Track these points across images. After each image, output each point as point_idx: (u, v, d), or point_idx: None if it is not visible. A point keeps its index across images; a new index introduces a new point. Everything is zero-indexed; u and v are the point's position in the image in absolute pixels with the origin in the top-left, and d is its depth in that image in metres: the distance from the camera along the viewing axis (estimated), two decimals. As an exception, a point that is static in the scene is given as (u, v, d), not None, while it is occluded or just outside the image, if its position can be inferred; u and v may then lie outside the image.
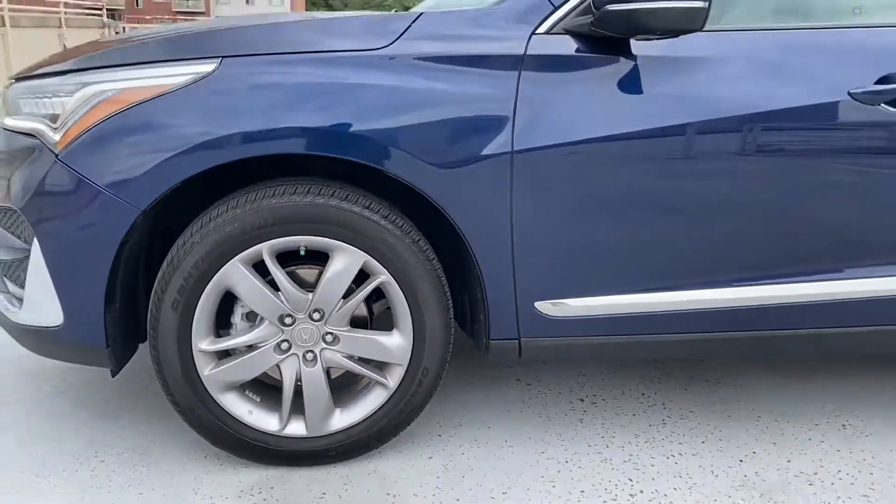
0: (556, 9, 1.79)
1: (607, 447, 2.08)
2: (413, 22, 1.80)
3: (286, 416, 1.89)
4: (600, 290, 1.88)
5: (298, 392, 1.88)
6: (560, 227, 1.82)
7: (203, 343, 1.81)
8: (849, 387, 2.43)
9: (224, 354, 1.87)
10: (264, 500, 1.84)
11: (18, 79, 1.93)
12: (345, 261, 1.79)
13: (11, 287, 1.92)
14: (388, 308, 1.89)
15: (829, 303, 1.94)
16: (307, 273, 1.87)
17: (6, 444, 2.06)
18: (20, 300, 1.88)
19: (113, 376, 1.98)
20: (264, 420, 1.90)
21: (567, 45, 1.79)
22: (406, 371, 1.90)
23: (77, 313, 1.80)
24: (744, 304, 1.92)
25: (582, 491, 1.89)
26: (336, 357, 1.87)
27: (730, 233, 1.87)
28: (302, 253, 1.84)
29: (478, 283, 1.86)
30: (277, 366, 1.87)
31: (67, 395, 2.31)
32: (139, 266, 1.93)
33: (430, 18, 1.83)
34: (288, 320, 1.83)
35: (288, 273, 1.81)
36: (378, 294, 1.89)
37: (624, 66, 1.79)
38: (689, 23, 1.66)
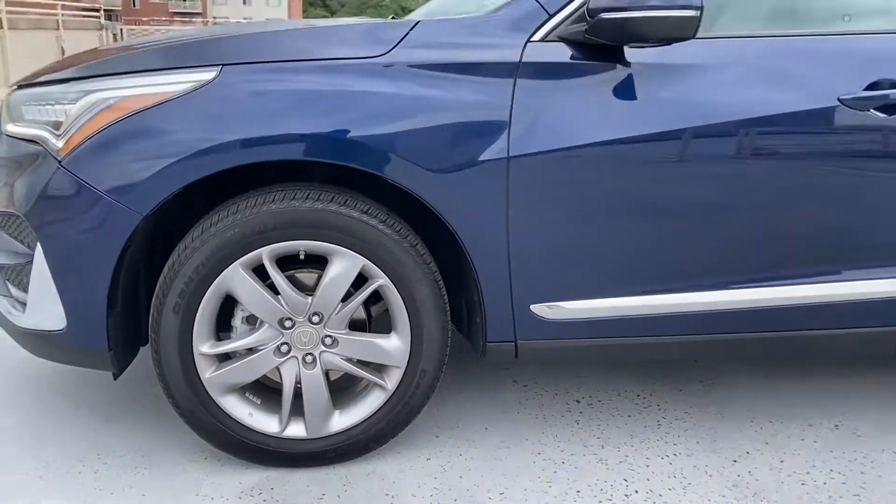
0: (551, 17, 1.82)
1: (603, 448, 2.11)
2: (410, 30, 1.83)
3: (286, 418, 1.92)
4: (595, 293, 1.91)
5: (298, 394, 1.90)
6: (555, 232, 1.85)
7: (204, 346, 1.84)
8: (841, 388, 2.46)
9: (224, 357, 1.90)
10: (265, 500, 1.86)
11: (21, 86, 1.95)
12: (343, 265, 1.82)
13: (15, 291, 1.94)
14: (387, 311, 1.91)
15: (820, 305, 1.97)
16: (306, 277, 1.89)
17: (10, 446, 2.08)
18: (23, 304, 1.90)
19: (115, 379, 2.00)
20: (264, 422, 1.92)
21: (562, 53, 1.82)
22: (404, 373, 1.92)
23: (80, 317, 1.83)
24: (737, 307, 1.95)
25: (578, 491, 1.91)
26: (335, 359, 1.90)
27: (721, 237, 1.90)
28: (301, 257, 1.87)
29: (474, 286, 1.89)
30: (277, 368, 1.89)
31: (70, 397, 2.33)
32: (140, 270, 1.95)
33: (427, 26, 1.86)
34: (287, 323, 1.85)
35: (287, 277, 1.84)
36: (376, 297, 1.91)
37: (618, 72, 1.82)
38: (681, 31, 1.69)
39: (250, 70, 1.78)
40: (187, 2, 65.47)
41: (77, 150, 1.74)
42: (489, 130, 1.77)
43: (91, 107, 1.75)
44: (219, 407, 1.89)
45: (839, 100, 1.85)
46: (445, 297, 1.90)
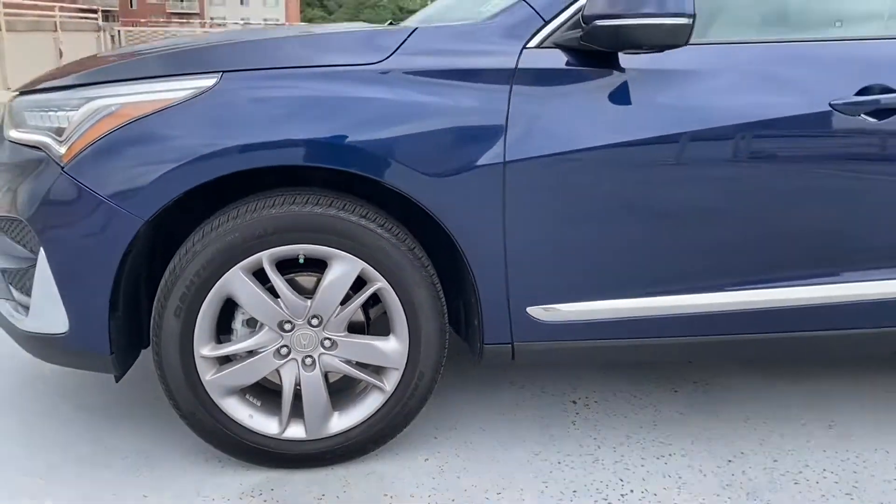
0: (547, 23, 1.84)
1: (599, 448, 2.13)
2: (408, 37, 1.85)
3: (286, 420, 1.94)
4: (590, 296, 1.94)
5: (298, 396, 1.93)
6: (551, 235, 1.87)
7: (205, 349, 1.86)
8: (835, 388, 2.49)
9: (225, 360, 1.92)
10: (265, 501, 1.89)
11: (23, 92, 1.98)
12: (342, 268, 1.84)
13: (17, 295, 1.96)
14: (385, 313, 1.94)
15: (812, 307, 1.99)
16: (306, 280, 1.92)
17: (13, 448, 2.10)
18: (26, 308, 1.92)
19: (116, 381, 2.02)
20: (264, 423, 1.94)
21: (557, 59, 1.84)
22: (402, 375, 1.94)
23: (82, 320, 1.85)
24: (731, 309, 1.98)
25: (574, 491, 1.94)
26: (334, 362, 1.92)
27: (713, 239, 1.92)
28: (301, 261, 1.89)
29: (471, 289, 1.91)
30: (277, 370, 1.92)
31: (72, 400, 2.35)
32: (141, 274, 1.97)
33: (424, 33, 1.88)
34: (287, 326, 1.87)
35: (287, 280, 1.86)
36: (375, 300, 1.94)
37: (613, 78, 1.84)
38: (674, 38, 1.72)
39: (250, 77, 1.80)
40: (184, 2, 65.44)
41: (79, 155, 1.76)
42: (486, 136, 1.80)
43: (93, 113, 1.77)
44: (219, 409, 1.91)
45: (831, 105, 1.87)
46: (443, 299, 1.93)
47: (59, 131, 1.81)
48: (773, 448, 2.14)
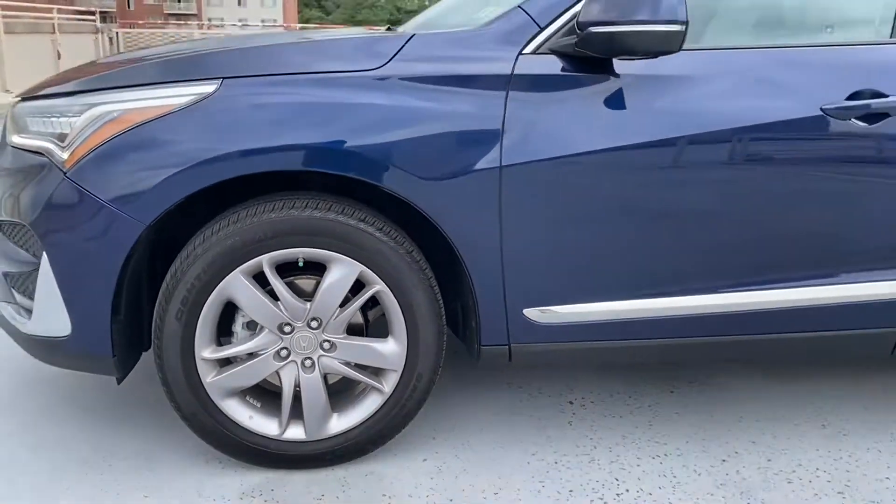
0: (542, 30, 1.86)
1: (595, 448, 2.16)
2: (405, 43, 1.88)
3: (285, 421, 1.96)
4: (586, 298, 1.96)
5: (297, 397, 1.95)
6: (547, 238, 1.90)
7: (205, 351, 1.88)
8: (828, 388, 2.51)
9: (225, 362, 1.94)
10: (265, 501, 1.91)
11: (25, 98, 2.00)
12: (341, 271, 1.86)
13: (20, 299, 1.98)
14: (383, 315, 1.96)
15: (806, 308, 2.02)
16: (305, 283, 1.94)
17: (18, 449, 2.12)
18: (29, 311, 1.94)
19: (118, 383, 2.04)
20: (264, 425, 1.97)
21: (553, 65, 1.87)
22: (401, 376, 1.97)
23: (84, 324, 1.87)
24: (727, 311, 2.00)
25: (571, 491, 1.96)
26: (333, 363, 1.95)
27: (708, 241, 1.95)
28: (300, 264, 1.91)
29: (469, 291, 1.94)
30: (277, 372, 1.94)
31: (72, 401, 2.37)
32: (143, 277, 2.00)
33: (421, 40, 1.91)
34: (287, 328, 1.90)
35: (287, 283, 1.88)
36: (373, 302, 1.96)
37: (607, 84, 1.87)
38: (667, 45, 1.74)
39: (250, 83, 1.82)
40: (182, 3, 65.42)
41: (82, 161, 1.79)
42: (482, 141, 1.82)
43: (95, 119, 1.79)
44: (220, 410, 1.93)
45: (822, 109, 1.90)
46: (441, 302, 1.95)
47: (61, 137, 1.83)
48: (767, 448, 2.16)
